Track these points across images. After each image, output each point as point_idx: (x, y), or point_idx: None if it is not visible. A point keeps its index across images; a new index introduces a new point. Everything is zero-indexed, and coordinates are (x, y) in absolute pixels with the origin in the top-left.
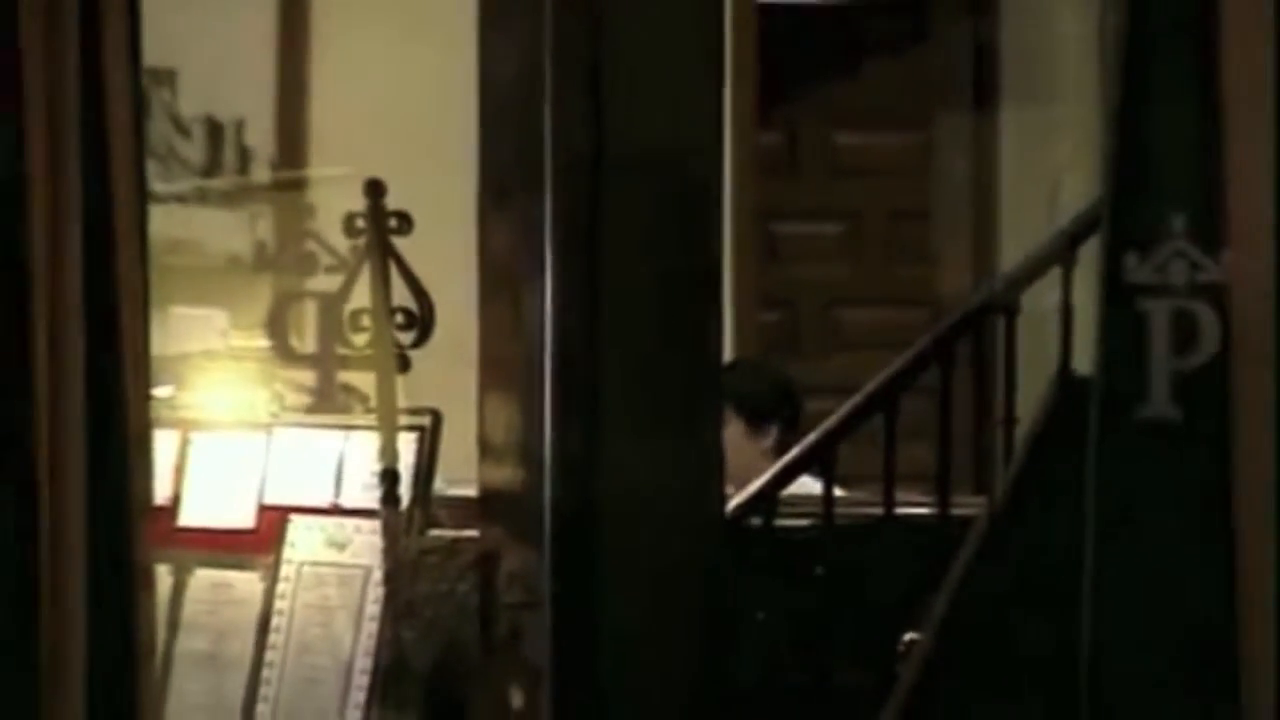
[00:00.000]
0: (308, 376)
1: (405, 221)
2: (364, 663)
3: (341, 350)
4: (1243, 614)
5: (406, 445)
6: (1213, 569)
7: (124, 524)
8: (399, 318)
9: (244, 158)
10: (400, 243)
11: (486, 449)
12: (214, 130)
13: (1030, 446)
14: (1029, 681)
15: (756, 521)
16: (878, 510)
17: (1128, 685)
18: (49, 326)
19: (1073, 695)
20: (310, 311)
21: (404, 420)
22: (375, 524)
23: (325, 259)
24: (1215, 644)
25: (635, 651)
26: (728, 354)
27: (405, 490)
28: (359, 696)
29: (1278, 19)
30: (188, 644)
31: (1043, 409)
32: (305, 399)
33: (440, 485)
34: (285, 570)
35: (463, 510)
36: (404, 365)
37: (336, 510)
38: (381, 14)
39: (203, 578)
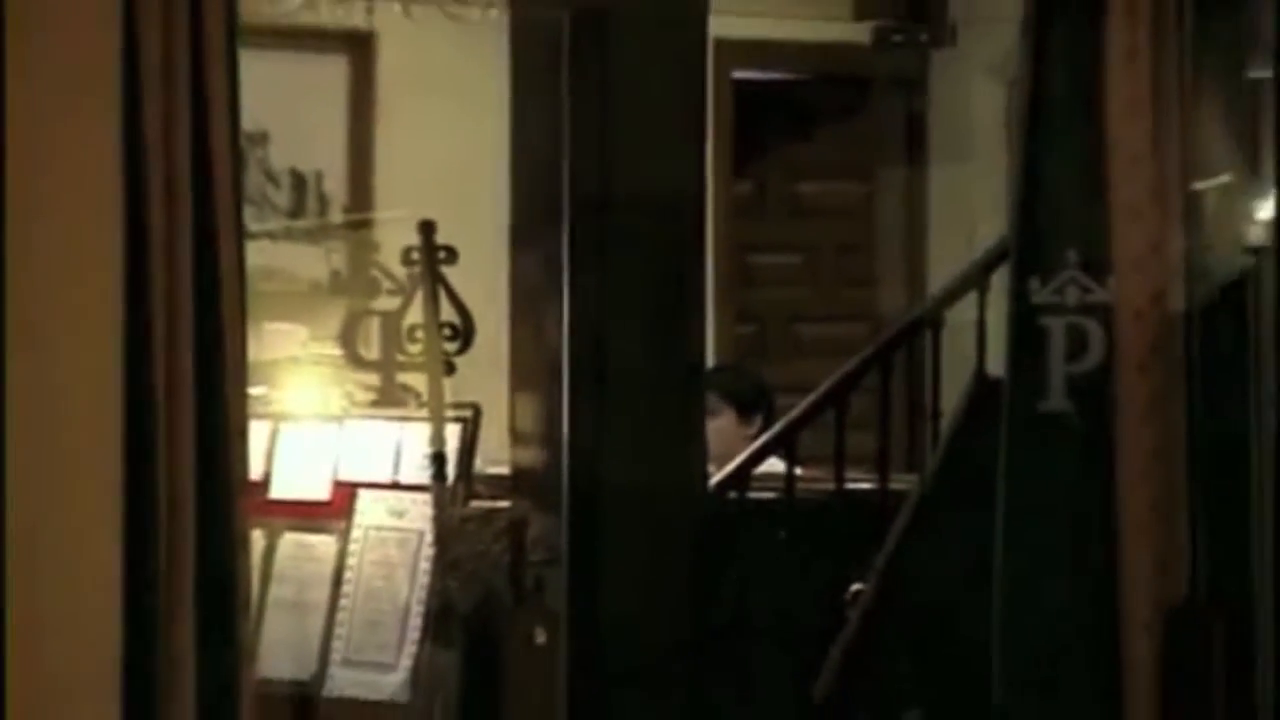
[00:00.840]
0: (372, 378)
1: (451, 254)
2: (418, 608)
3: (400, 357)
4: (1123, 570)
5: (452, 433)
6: (1097, 529)
7: (226, 497)
8: (446, 331)
9: (322, 202)
10: (447, 271)
11: (516, 436)
12: (298, 181)
13: (952, 434)
14: (953, 625)
15: (734, 494)
16: (830, 485)
17: (1030, 622)
18: (166, 338)
19: (988, 634)
20: (374, 326)
21: (450, 413)
22: (427, 497)
23: (387, 284)
24: (1100, 591)
25: (634, 599)
26: (710, 360)
27: (451, 469)
28: (414, 635)
29: None
30: (277, 593)
31: (962, 403)
32: (370, 396)
33: (479, 465)
34: (354, 534)
35: (497, 485)
36: (450, 369)
37: (396, 485)
38: (432, 86)
39: (289, 540)
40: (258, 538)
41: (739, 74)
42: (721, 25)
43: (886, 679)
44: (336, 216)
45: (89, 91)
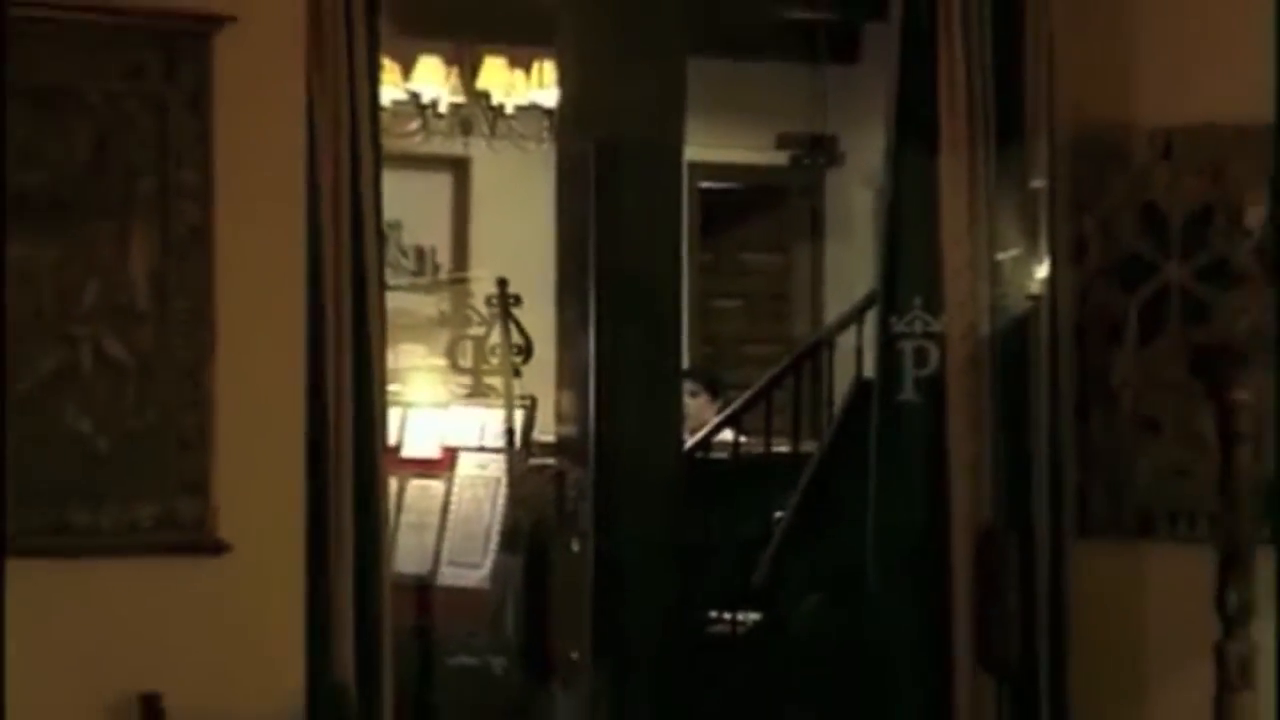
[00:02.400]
0: (467, 380)
1: (518, 300)
2: (495, 527)
3: (484, 366)
4: (952, 504)
5: (518, 416)
6: (934, 476)
7: (373, 456)
8: (514, 349)
9: (434, 267)
10: (515, 311)
11: (560, 417)
12: (419, 253)
13: (841, 416)
14: (843, 539)
15: (700, 454)
16: (761, 449)
17: (891, 537)
18: (335, 353)
19: (865, 545)
20: (469, 346)
21: (516, 402)
22: (502, 457)
23: (476, 319)
24: (936, 517)
25: (635, 522)
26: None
27: (517, 439)
28: (493, 545)
29: None
30: (405, 519)
31: (847, 396)
32: (465, 391)
33: (535, 436)
34: (455, 480)
35: (547, 449)
36: (517, 374)
37: (481, 449)
38: (506, 192)
39: (413, 485)
40: (394, 482)
41: (704, 184)
42: (692, 152)
43: (800, 573)
44: (443, 275)
45: (285, 198)
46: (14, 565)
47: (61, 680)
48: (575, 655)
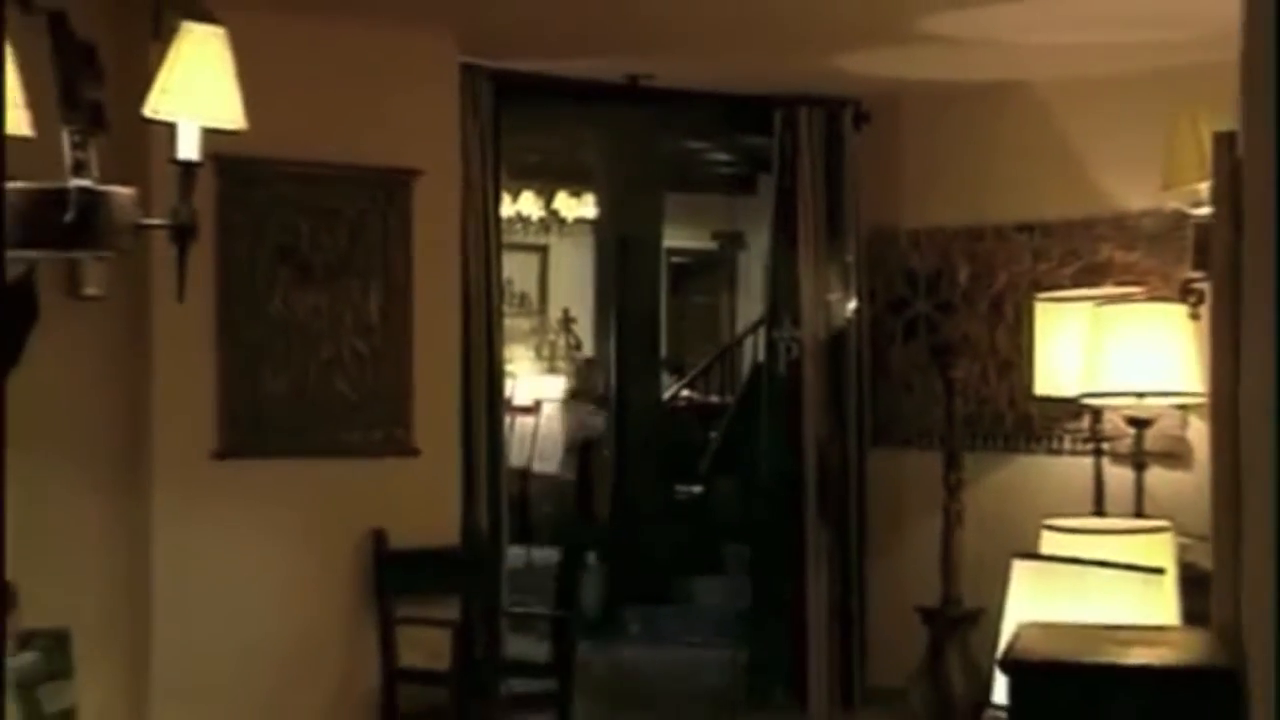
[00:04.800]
0: (546, 363)
1: (574, 319)
2: (562, 442)
3: (555, 356)
4: (804, 438)
5: (573, 381)
6: (794, 419)
7: (497, 403)
8: (571, 346)
9: (527, 302)
10: (573, 326)
11: (596, 382)
12: (523, 296)
13: (746, 383)
14: (748, 452)
15: (670, 404)
16: (704, 401)
17: (771, 454)
18: (477, 348)
19: (757, 458)
20: (547, 345)
21: (572, 375)
22: (564, 404)
23: (550, 331)
24: (796, 447)
25: (634, 438)
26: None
27: (573, 394)
28: (563, 451)
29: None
30: (514, 437)
31: (750, 372)
32: (545, 368)
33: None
34: (541, 417)
35: (588, 401)
36: (572, 359)
37: (554, 400)
38: (568, 261)
39: (520, 420)
40: (508, 418)
41: (673, 259)
42: (667, 242)
43: (725, 465)
44: (534, 308)
45: (449, 266)
46: (311, 463)
47: (333, 523)
48: (603, 509)
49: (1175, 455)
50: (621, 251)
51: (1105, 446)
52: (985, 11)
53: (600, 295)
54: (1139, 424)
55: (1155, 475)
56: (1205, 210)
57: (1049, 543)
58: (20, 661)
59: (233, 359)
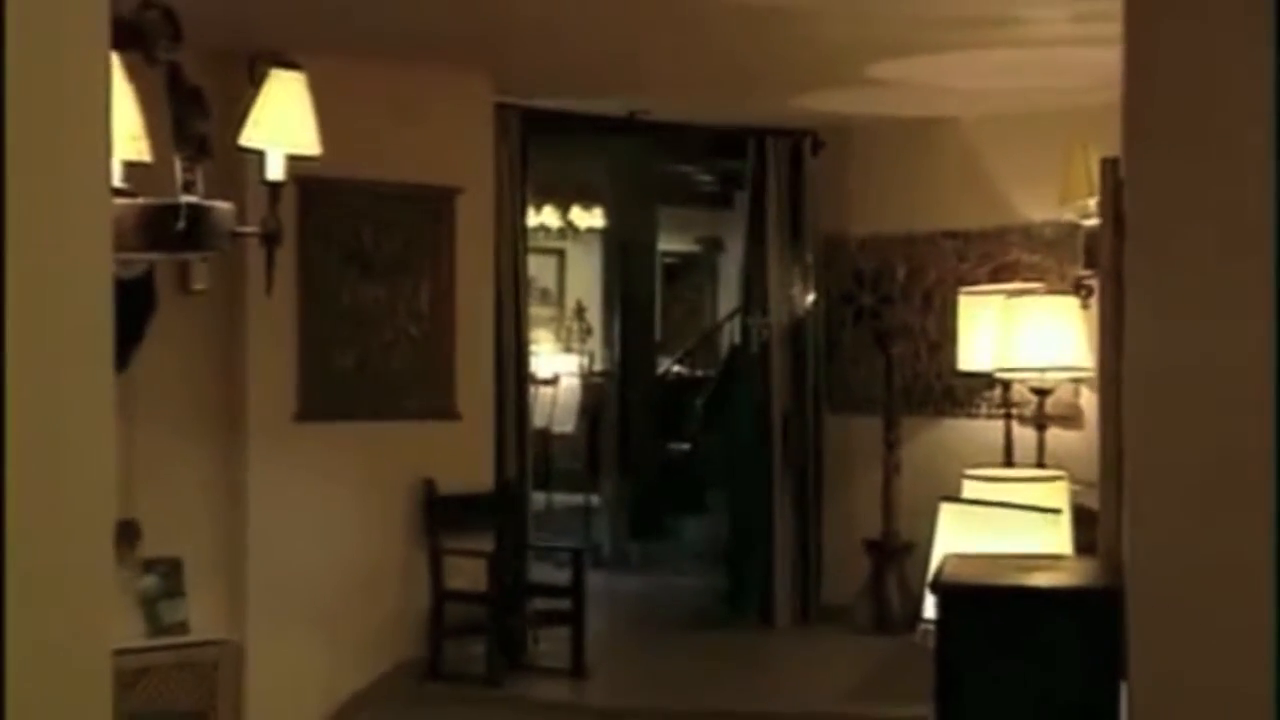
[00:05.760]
0: (564, 344)
1: (585, 309)
2: (576, 408)
3: (571, 338)
4: (772, 403)
5: (586, 360)
6: (765, 389)
7: (523, 376)
8: (584, 331)
9: (548, 296)
10: (585, 314)
11: (603, 359)
12: (544, 291)
13: (725, 360)
14: (727, 412)
15: (663, 376)
16: (689, 374)
17: (743, 416)
18: (507, 333)
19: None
20: (565, 330)
21: (585, 353)
22: (579, 377)
23: (567, 318)
24: (766, 407)
25: (635, 404)
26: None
27: (585, 369)
28: (575, 414)
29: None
30: (538, 404)
31: (727, 350)
32: (563, 348)
33: (592, 368)
34: (560, 387)
35: (598, 374)
36: (585, 341)
37: (570, 375)
38: (582, 263)
39: (542, 390)
40: (532, 388)
41: (666, 260)
42: (661, 245)
43: (709, 425)
44: (550, 299)
45: (484, 267)
46: (372, 425)
47: (391, 473)
48: (609, 463)
49: (1069, 418)
50: (624, 254)
51: (1013, 411)
52: (919, 61)
53: (607, 289)
54: (1041, 393)
55: (1053, 435)
56: (1093, 221)
57: (969, 489)
58: (144, 583)
59: (310, 340)
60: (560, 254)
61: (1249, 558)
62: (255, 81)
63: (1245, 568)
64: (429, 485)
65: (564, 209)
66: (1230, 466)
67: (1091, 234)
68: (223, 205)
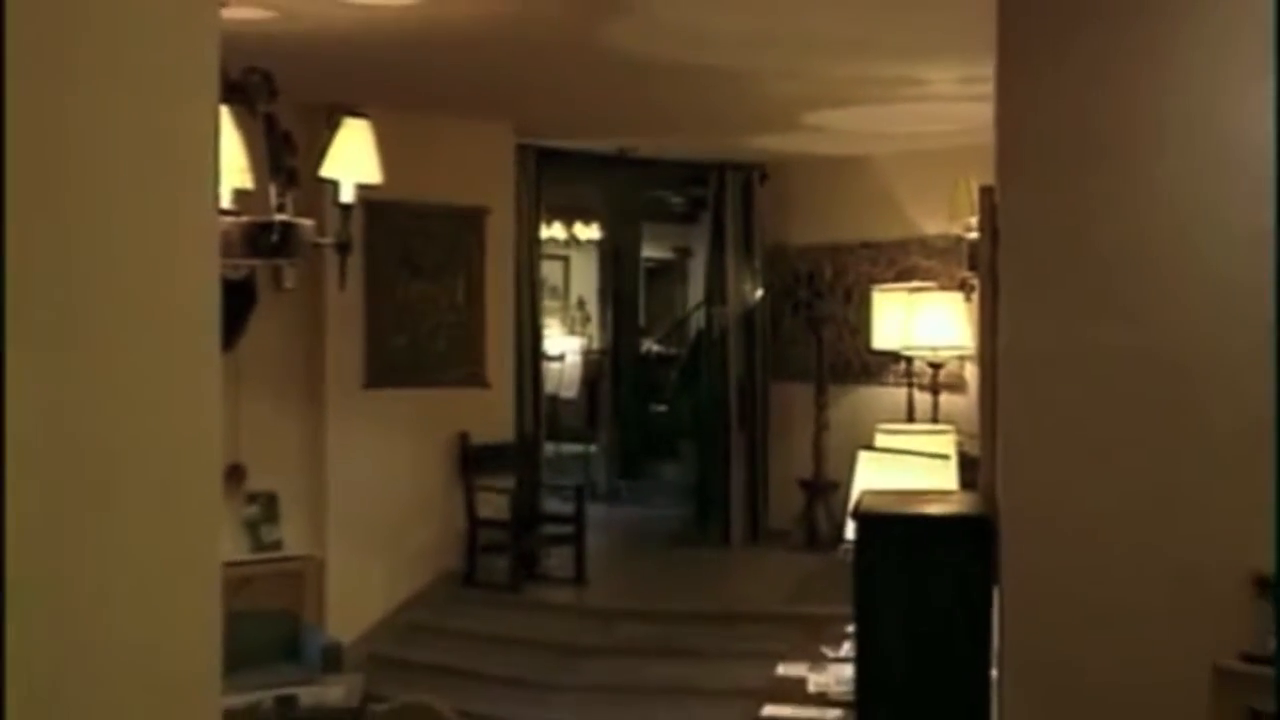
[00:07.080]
0: (569, 328)
1: (585, 302)
2: (579, 377)
3: (574, 324)
4: (729, 377)
5: (586, 340)
6: (722, 365)
7: (537, 353)
8: (584, 319)
9: (559, 293)
10: (586, 305)
11: (600, 340)
12: (554, 289)
13: (692, 341)
14: (695, 385)
15: (645, 353)
16: (666, 353)
17: (710, 391)
18: (524, 320)
19: (702, 391)
20: (570, 318)
21: (585, 336)
22: (581, 354)
23: (572, 308)
24: (722, 386)
25: (625, 375)
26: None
27: (586, 348)
28: (578, 383)
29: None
30: (549, 375)
31: (694, 336)
32: (568, 332)
33: (592, 347)
34: (566, 362)
35: (596, 352)
36: (585, 327)
37: (562, 356)
38: (584, 266)
39: (552, 365)
40: (545, 363)
41: (647, 265)
42: (644, 252)
43: (680, 393)
44: (558, 295)
45: (507, 271)
46: (421, 391)
47: (436, 428)
48: (604, 420)
49: (956, 386)
50: (615, 259)
51: (914, 380)
52: (844, 112)
53: (602, 287)
54: (935, 366)
55: (945, 399)
56: (974, 234)
57: (880, 440)
58: (249, 511)
59: (373, 326)
60: (566, 260)
61: (1089, 490)
62: (332, 127)
63: (1087, 498)
64: (464, 437)
65: (569, 224)
66: (1076, 423)
67: (973, 244)
68: (306, 222)
